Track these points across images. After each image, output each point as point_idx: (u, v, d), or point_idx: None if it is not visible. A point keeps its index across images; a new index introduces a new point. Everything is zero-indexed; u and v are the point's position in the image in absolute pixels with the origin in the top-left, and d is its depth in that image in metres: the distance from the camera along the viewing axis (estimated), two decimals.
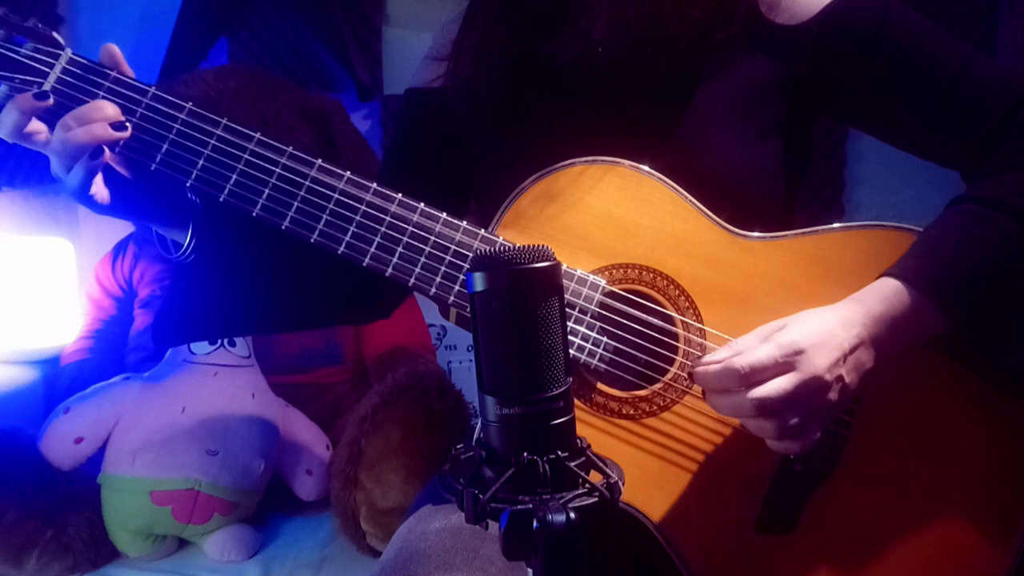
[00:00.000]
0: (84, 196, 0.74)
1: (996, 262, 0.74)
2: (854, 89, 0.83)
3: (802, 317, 0.72)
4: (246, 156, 0.77)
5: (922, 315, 0.73)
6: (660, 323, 0.78)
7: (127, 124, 0.74)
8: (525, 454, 0.47)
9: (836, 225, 0.80)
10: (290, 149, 0.77)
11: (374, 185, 0.78)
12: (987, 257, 0.74)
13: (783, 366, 0.69)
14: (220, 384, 1.36)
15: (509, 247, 0.54)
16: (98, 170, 0.74)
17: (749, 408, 0.69)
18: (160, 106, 0.76)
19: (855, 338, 0.71)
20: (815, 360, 0.68)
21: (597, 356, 0.78)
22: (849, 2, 0.81)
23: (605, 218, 0.79)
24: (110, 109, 0.73)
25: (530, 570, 0.45)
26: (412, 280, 0.77)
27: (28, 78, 0.74)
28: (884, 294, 0.73)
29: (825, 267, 0.78)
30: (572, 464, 0.48)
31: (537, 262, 0.47)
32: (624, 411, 0.78)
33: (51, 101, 0.73)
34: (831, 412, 0.72)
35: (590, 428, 0.78)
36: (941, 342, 0.76)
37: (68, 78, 0.75)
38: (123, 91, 0.76)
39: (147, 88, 0.76)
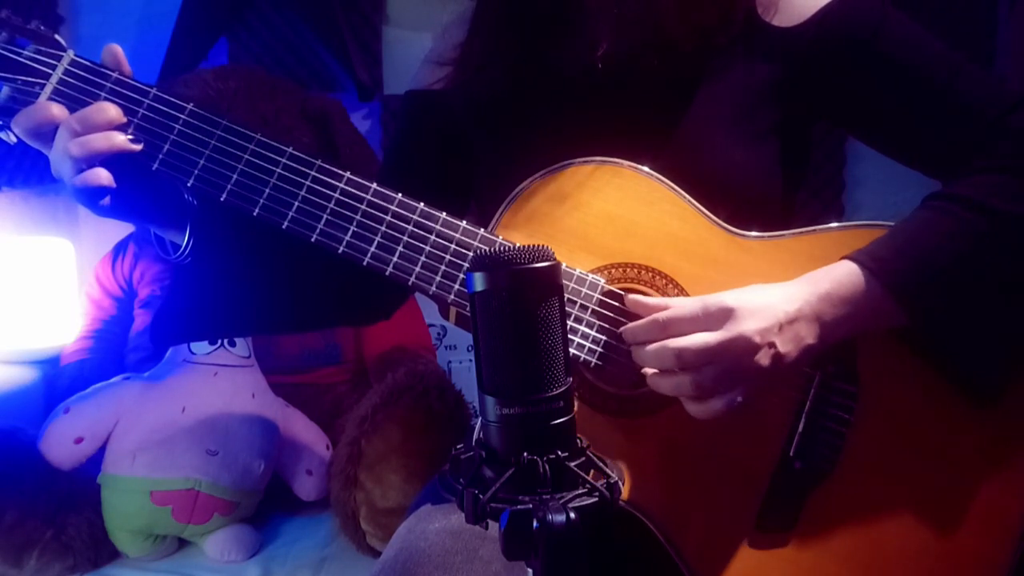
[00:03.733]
0: (87, 199, 0.74)
1: (958, 258, 0.73)
2: (843, 93, 0.83)
3: (745, 289, 0.73)
4: (247, 156, 0.77)
5: (872, 300, 0.73)
6: None
7: (140, 139, 0.75)
8: (525, 454, 0.47)
9: (834, 225, 0.80)
10: (290, 149, 0.77)
11: (374, 185, 0.78)
12: (949, 251, 0.73)
13: (707, 322, 0.70)
14: (220, 384, 1.36)
15: (509, 247, 0.55)
16: (109, 182, 0.74)
17: (669, 356, 0.69)
18: (162, 107, 0.76)
19: (795, 312, 0.71)
20: (744, 322, 0.69)
21: (596, 355, 0.78)
22: (846, 5, 0.81)
23: (604, 218, 0.80)
24: (113, 111, 0.74)
25: (530, 570, 0.45)
26: (412, 279, 0.77)
27: (31, 79, 0.74)
28: (835, 274, 0.74)
29: (823, 266, 0.78)
30: (572, 464, 0.48)
31: (537, 262, 0.48)
32: (624, 410, 0.78)
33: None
34: (760, 378, 0.71)
35: (590, 427, 0.78)
36: None
37: (70, 79, 0.75)
38: (125, 92, 0.76)
39: (148, 89, 0.76)
